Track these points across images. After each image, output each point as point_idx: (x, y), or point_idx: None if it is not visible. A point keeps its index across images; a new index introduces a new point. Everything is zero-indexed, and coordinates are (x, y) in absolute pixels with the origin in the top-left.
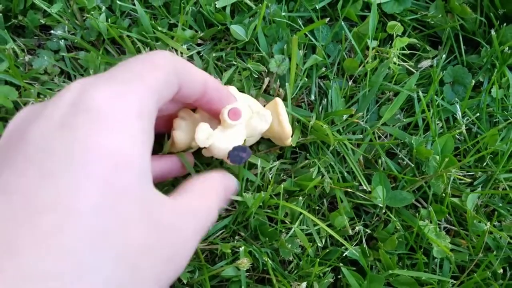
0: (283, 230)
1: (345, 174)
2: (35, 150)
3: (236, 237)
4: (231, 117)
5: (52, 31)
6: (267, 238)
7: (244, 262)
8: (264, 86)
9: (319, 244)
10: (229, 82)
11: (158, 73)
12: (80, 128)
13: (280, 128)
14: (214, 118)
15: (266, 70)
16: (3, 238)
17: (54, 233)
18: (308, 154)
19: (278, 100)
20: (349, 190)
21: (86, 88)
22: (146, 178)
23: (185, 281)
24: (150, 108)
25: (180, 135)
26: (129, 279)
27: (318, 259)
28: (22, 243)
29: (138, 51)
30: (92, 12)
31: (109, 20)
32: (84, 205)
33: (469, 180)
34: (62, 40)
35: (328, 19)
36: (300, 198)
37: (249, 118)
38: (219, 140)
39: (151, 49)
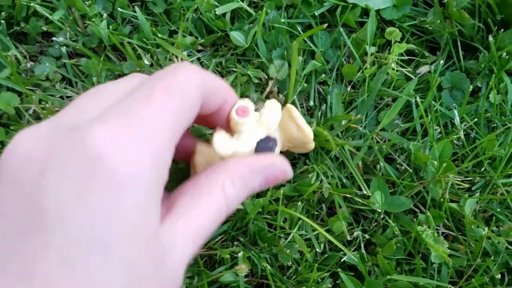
0: (282, 236)
1: (344, 179)
2: (53, 227)
3: (235, 243)
4: (240, 114)
5: (54, 38)
6: (266, 244)
7: (243, 268)
8: (266, 92)
9: (317, 250)
10: None
11: (182, 99)
12: (98, 198)
13: (301, 133)
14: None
15: (266, 77)
16: None
17: None
18: (307, 160)
19: (291, 107)
20: (347, 195)
21: (97, 139)
22: (158, 237)
23: (184, 287)
24: (168, 151)
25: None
26: None
27: (316, 265)
28: None
29: (139, 58)
30: (94, 19)
31: (110, 27)
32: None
33: (467, 186)
34: (64, 47)
35: (326, 25)
36: (299, 203)
37: (258, 115)
38: (240, 145)
39: (151, 56)
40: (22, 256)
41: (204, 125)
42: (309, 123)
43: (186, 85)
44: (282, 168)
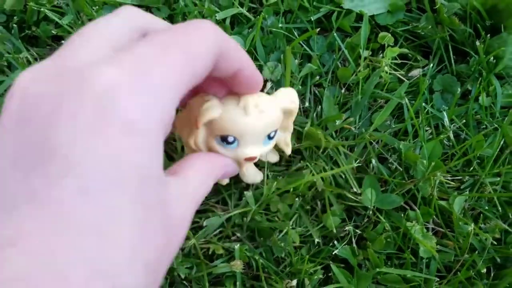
0: (277, 228)
1: (337, 177)
2: (67, 161)
3: (233, 238)
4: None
5: (63, 41)
6: (262, 238)
7: (238, 264)
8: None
9: (316, 240)
10: None
11: (194, 59)
12: (110, 141)
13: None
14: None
15: (267, 79)
16: (48, 259)
17: (97, 258)
18: (302, 160)
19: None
20: (340, 192)
21: (115, 85)
22: (164, 183)
23: (183, 276)
24: (173, 108)
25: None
26: (151, 283)
27: (307, 256)
28: (67, 267)
29: None
30: None
31: None
32: (121, 228)
33: (457, 184)
34: None
35: (319, 29)
36: (297, 199)
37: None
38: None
39: None
40: (34, 186)
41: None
42: (304, 123)
43: (200, 45)
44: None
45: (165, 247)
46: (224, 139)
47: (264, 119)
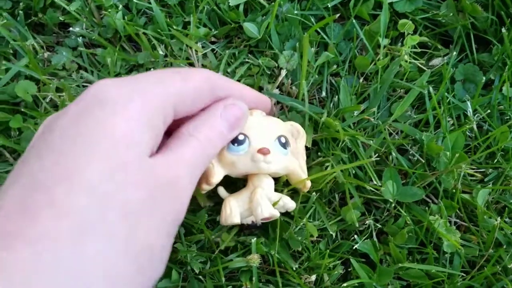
0: (294, 223)
1: (356, 169)
2: (56, 137)
3: (246, 231)
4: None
5: (70, 29)
6: (277, 232)
7: (255, 258)
8: (277, 83)
9: (332, 233)
10: (242, 77)
11: (185, 83)
12: (91, 116)
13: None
14: None
15: (277, 65)
16: (23, 205)
17: (65, 198)
18: (319, 152)
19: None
20: (360, 184)
21: (104, 84)
22: (145, 154)
23: (197, 271)
24: (163, 109)
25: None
26: (131, 232)
27: (327, 251)
28: (39, 208)
29: (153, 48)
30: (109, 10)
31: (125, 18)
32: (88, 176)
33: (480, 177)
34: (80, 37)
35: (338, 15)
36: (314, 193)
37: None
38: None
39: (166, 47)
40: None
41: None
42: (320, 114)
43: (193, 75)
44: (236, 103)
45: (145, 202)
46: (235, 141)
47: (269, 119)
